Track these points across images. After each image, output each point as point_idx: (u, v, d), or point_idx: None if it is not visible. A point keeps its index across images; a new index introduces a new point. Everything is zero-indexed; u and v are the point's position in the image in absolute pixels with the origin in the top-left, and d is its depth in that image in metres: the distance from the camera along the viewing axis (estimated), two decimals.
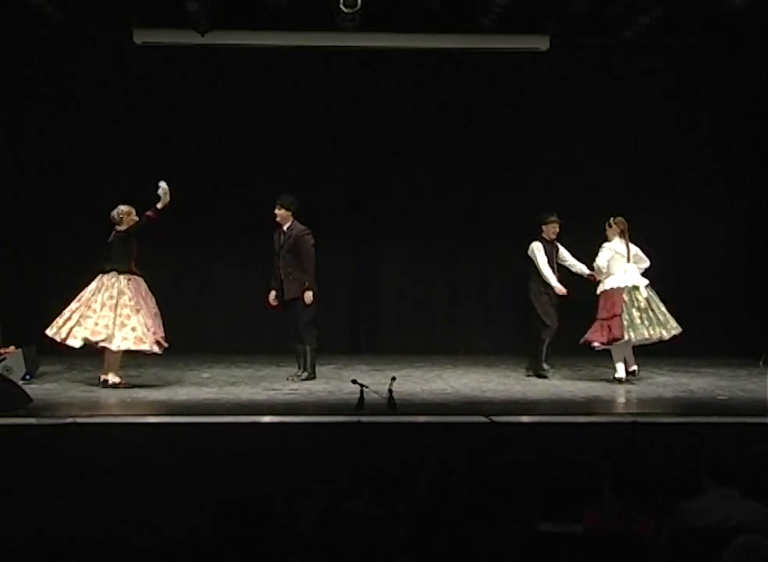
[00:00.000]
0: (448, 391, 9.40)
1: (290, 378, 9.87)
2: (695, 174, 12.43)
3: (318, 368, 10.29)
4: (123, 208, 9.39)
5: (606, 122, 12.32)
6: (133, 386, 9.32)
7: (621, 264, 9.90)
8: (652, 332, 9.76)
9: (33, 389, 8.87)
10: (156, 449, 6.75)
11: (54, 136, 12.10)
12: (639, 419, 7.71)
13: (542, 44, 11.37)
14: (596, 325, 9.83)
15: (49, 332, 9.23)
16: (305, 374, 9.89)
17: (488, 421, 7.61)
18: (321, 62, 12.09)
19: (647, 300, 9.85)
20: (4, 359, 9.74)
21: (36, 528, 4.65)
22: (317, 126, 12.27)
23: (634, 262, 9.95)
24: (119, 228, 9.34)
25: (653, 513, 4.57)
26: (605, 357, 10.15)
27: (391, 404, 8.04)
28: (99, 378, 9.34)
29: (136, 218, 9.35)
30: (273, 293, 9.89)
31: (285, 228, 9.84)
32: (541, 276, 10.23)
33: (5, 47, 11.79)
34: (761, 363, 11.11)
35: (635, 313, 9.76)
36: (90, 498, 5.73)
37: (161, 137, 12.12)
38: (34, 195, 12.09)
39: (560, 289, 10.12)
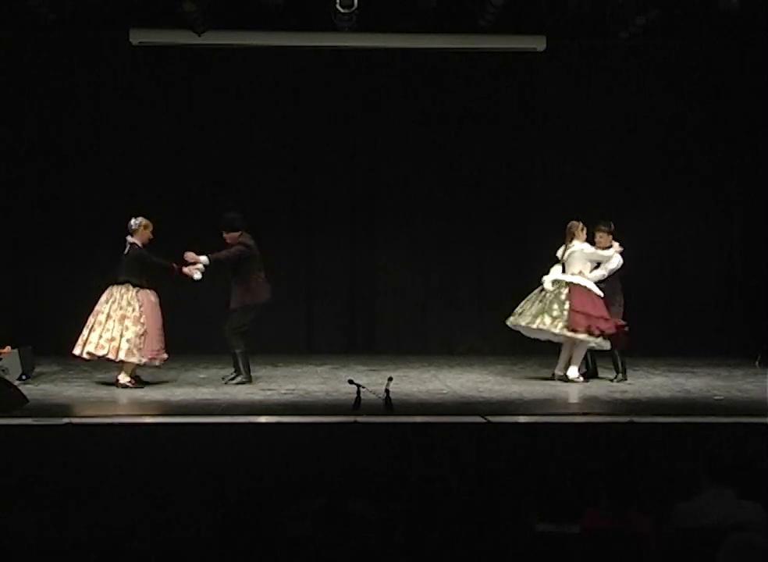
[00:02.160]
0: (444, 391, 9.40)
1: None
2: (692, 174, 12.44)
3: (315, 369, 10.26)
4: (143, 220, 9.46)
5: (603, 122, 12.32)
6: (144, 385, 9.44)
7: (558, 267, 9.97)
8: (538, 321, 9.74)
9: (29, 390, 8.86)
10: (152, 449, 6.75)
11: (51, 136, 12.07)
12: (636, 419, 7.71)
13: (539, 44, 11.38)
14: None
15: (76, 351, 9.40)
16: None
17: (485, 421, 7.61)
18: (318, 62, 12.08)
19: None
20: (0, 359, 9.72)
21: (33, 529, 4.65)
22: (314, 125, 12.25)
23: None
24: (132, 239, 9.40)
25: (650, 514, 4.58)
26: (603, 357, 10.16)
27: (388, 405, 8.04)
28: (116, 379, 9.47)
29: (151, 236, 9.48)
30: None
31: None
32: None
33: (0, 47, 11.77)
34: (756, 363, 11.12)
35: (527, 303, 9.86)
36: (86, 499, 5.71)
37: (158, 137, 12.11)
38: (32, 196, 12.09)
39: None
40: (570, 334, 9.69)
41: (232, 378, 9.66)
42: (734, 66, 12.14)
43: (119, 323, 9.25)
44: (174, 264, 9.52)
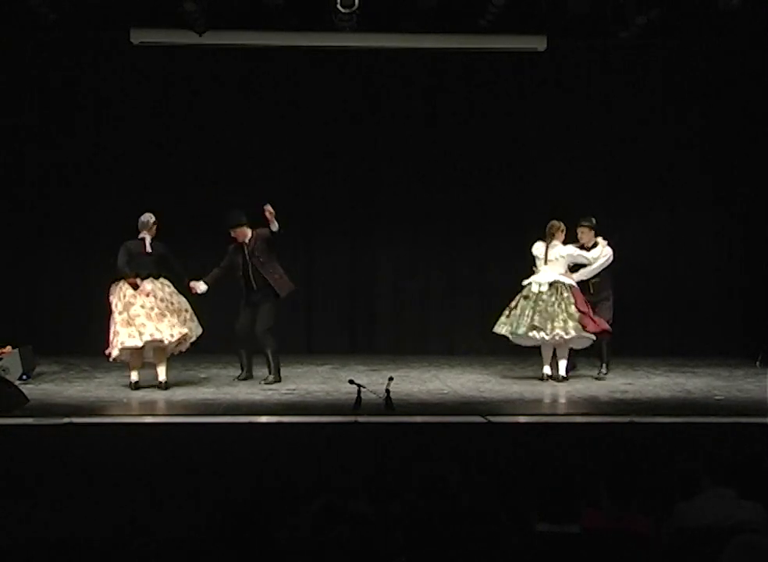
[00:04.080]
0: (445, 391, 9.41)
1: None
2: (692, 174, 12.44)
3: (315, 368, 10.22)
4: (152, 217, 9.50)
5: (603, 121, 12.33)
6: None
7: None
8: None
9: (30, 389, 8.88)
10: (153, 449, 6.75)
11: (51, 136, 12.08)
12: (636, 419, 7.72)
13: (539, 44, 11.38)
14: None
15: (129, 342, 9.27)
16: (247, 374, 9.88)
17: (485, 421, 7.62)
18: (319, 62, 12.08)
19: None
20: (0, 359, 9.73)
21: (33, 529, 4.65)
22: (314, 125, 12.25)
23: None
24: (148, 236, 9.43)
25: (650, 514, 4.57)
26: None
27: (388, 404, 8.05)
28: (160, 384, 9.38)
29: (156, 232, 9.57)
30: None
31: (247, 240, 9.76)
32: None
33: (0, 47, 11.77)
34: (757, 363, 11.13)
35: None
36: (86, 498, 5.72)
37: (158, 137, 12.11)
38: (32, 196, 12.09)
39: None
40: (584, 334, 9.67)
41: (265, 379, 9.67)
42: (734, 66, 12.14)
43: (167, 313, 9.30)
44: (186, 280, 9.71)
